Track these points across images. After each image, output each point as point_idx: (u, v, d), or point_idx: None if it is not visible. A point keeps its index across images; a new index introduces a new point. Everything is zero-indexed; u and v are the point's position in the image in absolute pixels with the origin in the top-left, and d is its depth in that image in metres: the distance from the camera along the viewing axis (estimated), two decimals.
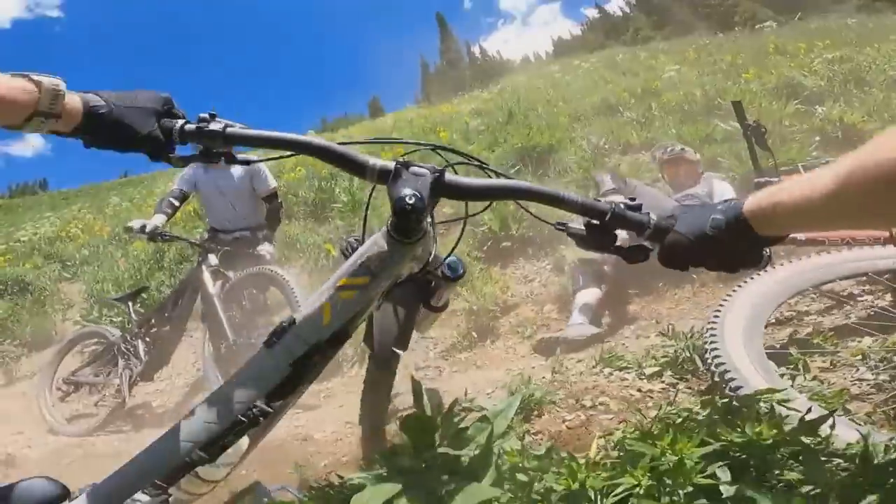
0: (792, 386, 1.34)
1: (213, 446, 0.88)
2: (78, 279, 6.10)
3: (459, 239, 1.10)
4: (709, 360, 1.38)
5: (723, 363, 1.32)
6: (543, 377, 1.85)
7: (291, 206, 5.84)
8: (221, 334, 2.74)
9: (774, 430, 0.74)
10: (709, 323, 1.50)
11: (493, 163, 4.95)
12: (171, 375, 3.60)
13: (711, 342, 1.41)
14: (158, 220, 3.07)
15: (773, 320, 1.91)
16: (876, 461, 0.71)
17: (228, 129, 0.88)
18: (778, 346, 1.66)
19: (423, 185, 0.86)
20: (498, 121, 7.32)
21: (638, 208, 0.82)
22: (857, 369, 1.45)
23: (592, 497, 0.73)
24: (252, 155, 2.11)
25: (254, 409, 0.87)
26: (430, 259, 1.01)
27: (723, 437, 0.75)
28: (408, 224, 0.87)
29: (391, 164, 0.89)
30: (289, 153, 0.93)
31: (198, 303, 3.02)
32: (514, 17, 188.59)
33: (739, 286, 1.62)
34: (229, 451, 0.92)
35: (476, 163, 1.02)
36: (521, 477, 0.82)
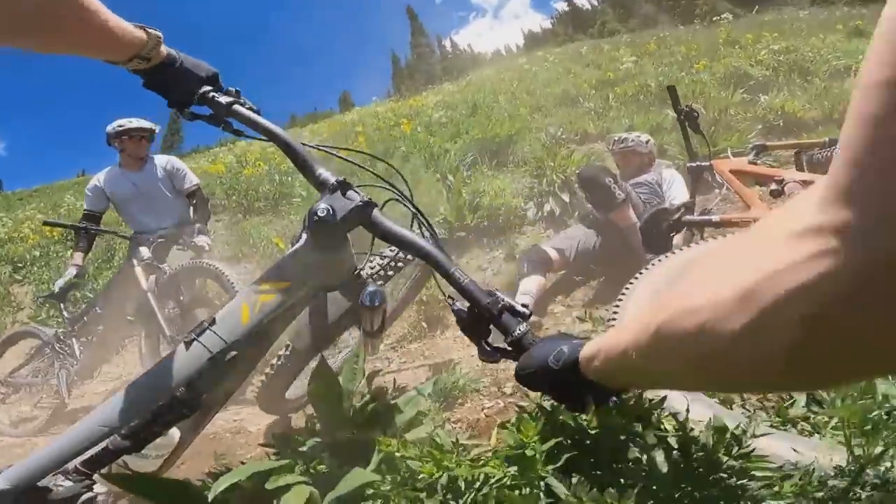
0: None
1: (136, 436, 0.89)
2: (28, 281, 5.91)
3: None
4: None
5: None
6: (477, 365, 1.88)
7: (252, 202, 5.78)
8: (158, 330, 2.67)
9: (622, 416, 0.70)
10: (618, 300, 1.56)
11: (454, 154, 5.00)
12: (120, 375, 3.52)
13: (613, 319, 1.47)
14: (69, 273, 3.06)
15: None
16: (698, 448, 0.66)
17: (234, 105, 1.04)
18: None
19: (343, 207, 0.93)
20: (462, 113, 7.36)
21: (518, 313, 0.80)
22: None
23: (463, 487, 0.72)
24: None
25: (177, 397, 0.89)
26: (355, 276, 1.06)
27: (567, 425, 0.73)
28: (317, 232, 0.93)
29: (332, 180, 0.96)
30: (269, 140, 1.04)
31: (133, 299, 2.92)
32: (486, 11, 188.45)
33: (652, 264, 1.67)
34: (158, 442, 0.94)
35: (412, 208, 1.10)
36: (399, 465, 0.83)
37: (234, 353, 0.92)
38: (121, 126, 3.06)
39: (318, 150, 1.15)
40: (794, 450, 0.76)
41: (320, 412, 1.04)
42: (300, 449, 0.96)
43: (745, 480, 0.61)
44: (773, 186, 2.21)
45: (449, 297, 0.91)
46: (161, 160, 3.25)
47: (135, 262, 2.86)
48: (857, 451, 0.66)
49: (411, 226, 1.29)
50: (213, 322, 0.95)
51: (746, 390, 0.56)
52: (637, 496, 0.58)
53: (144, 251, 2.88)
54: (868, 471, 0.63)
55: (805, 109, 4.14)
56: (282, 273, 0.97)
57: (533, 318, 2.42)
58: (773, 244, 0.33)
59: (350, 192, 0.95)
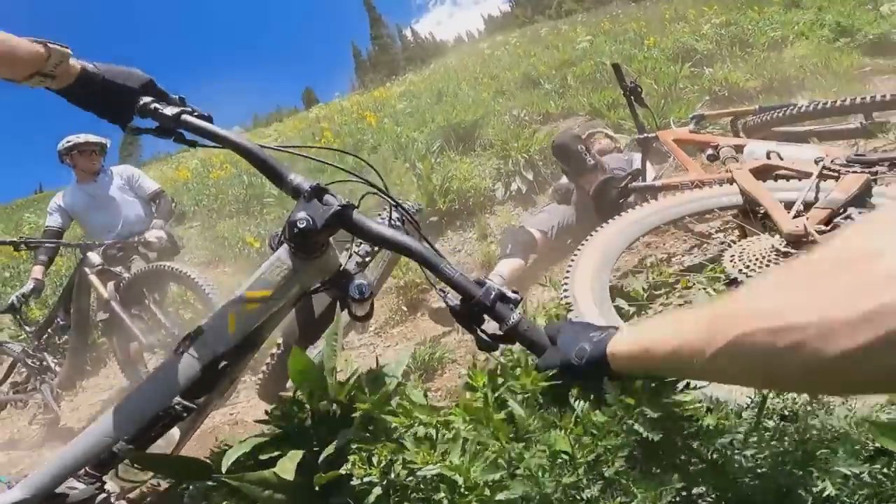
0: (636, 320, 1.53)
1: (140, 439, 0.95)
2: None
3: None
4: (562, 302, 1.53)
5: (569, 303, 1.48)
6: (454, 339, 2.06)
7: (222, 206, 5.83)
8: (130, 337, 2.65)
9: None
10: (567, 266, 1.68)
11: (421, 142, 5.14)
12: (111, 386, 3.58)
13: (565, 284, 1.58)
14: (27, 287, 3.05)
15: (649, 262, 2.16)
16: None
17: (183, 116, 0.97)
18: (644, 287, 1.81)
19: (323, 214, 0.90)
20: (427, 102, 7.48)
21: (509, 300, 0.83)
22: (699, 300, 1.61)
23: (435, 435, 0.80)
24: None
25: (175, 407, 0.93)
26: (339, 272, 1.03)
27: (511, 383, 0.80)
28: (301, 243, 0.93)
29: (307, 185, 0.93)
30: (226, 148, 0.99)
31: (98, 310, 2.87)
32: None
33: (596, 231, 1.82)
34: (160, 442, 1.00)
35: (391, 201, 1.08)
36: (379, 423, 0.92)
37: (224, 362, 0.95)
38: (69, 142, 3.10)
39: (284, 151, 1.12)
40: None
41: (304, 389, 1.05)
42: (293, 423, 1.05)
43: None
44: (710, 152, 2.44)
45: (440, 289, 0.90)
46: (118, 170, 3.31)
47: (87, 269, 2.82)
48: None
49: (389, 218, 1.30)
50: (200, 332, 0.96)
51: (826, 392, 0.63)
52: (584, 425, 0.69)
53: (94, 257, 2.85)
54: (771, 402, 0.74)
55: (746, 80, 4.41)
56: (265, 282, 0.97)
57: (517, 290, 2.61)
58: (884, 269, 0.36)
59: (327, 197, 0.92)
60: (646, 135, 2.72)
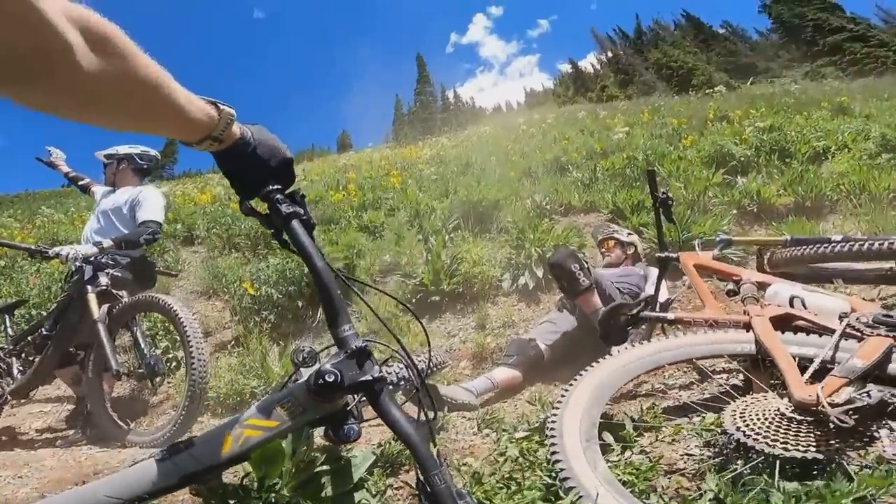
0: (620, 458, 1.44)
1: None
2: None
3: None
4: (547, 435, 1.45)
5: (554, 435, 1.39)
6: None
7: (233, 237, 5.95)
8: (105, 361, 2.62)
9: None
10: (561, 394, 1.57)
11: (439, 213, 5.09)
12: (59, 398, 3.47)
13: (554, 414, 1.48)
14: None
15: (645, 391, 2.05)
16: None
17: (293, 221, 0.95)
18: (635, 417, 1.74)
19: (353, 377, 0.90)
20: (453, 170, 7.53)
21: None
22: (688, 444, 1.51)
23: None
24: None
25: None
26: (340, 410, 1.01)
27: None
28: (321, 392, 0.91)
29: (354, 343, 0.92)
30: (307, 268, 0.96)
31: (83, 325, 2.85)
32: (493, 66, 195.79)
33: (597, 362, 1.71)
34: None
35: (418, 382, 1.06)
36: None
37: (207, 476, 0.94)
38: (103, 152, 3.35)
39: (349, 281, 1.11)
40: None
41: (257, 470, 1.03)
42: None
43: None
44: (731, 286, 2.26)
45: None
46: (136, 190, 3.23)
47: (89, 288, 2.79)
48: None
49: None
50: (190, 444, 0.95)
51: None
52: None
53: (103, 278, 2.83)
54: None
55: (778, 195, 4.25)
56: (275, 413, 0.96)
57: (474, 403, 2.39)
58: None
59: (367, 364, 0.92)
60: (667, 254, 2.56)
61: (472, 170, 7.36)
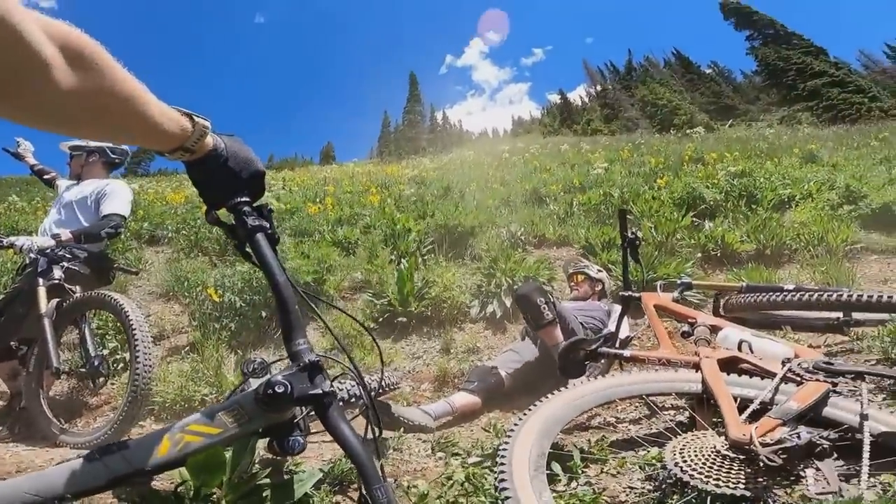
0: (566, 488, 1.50)
1: None
2: None
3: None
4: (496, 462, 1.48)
5: (503, 464, 1.43)
6: (388, 451, 1.89)
7: (200, 240, 5.87)
8: (47, 358, 2.55)
9: None
10: (514, 423, 1.60)
11: (414, 235, 5.12)
12: None
13: (505, 442, 1.51)
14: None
15: (596, 423, 2.10)
16: None
17: (257, 234, 0.96)
18: (584, 449, 1.78)
19: (303, 390, 0.89)
20: (433, 193, 7.60)
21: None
22: (632, 478, 1.56)
23: None
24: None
25: None
26: (290, 421, 1.01)
27: None
28: (269, 403, 0.91)
29: (307, 357, 0.92)
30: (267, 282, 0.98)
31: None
32: (484, 91, 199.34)
33: (552, 394, 1.75)
34: None
35: (368, 401, 1.07)
36: None
37: (138, 480, 0.91)
38: (67, 143, 3.30)
39: (328, 304, 1.11)
40: None
41: (195, 478, 1.00)
42: None
43: None
44: (685, 328, 2.35)
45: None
46: (103, 182, 3.19)
47: (41, 281, 2.72)
48: None
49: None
50: (125, 446, 0.91)
51: None
52: None
53: (56, 271, 2.77)
54: None
55: (741, 242, 4.38)
56: (219, 420, 0.94)
57: (431, 426, 2.41)
58: None
59: (318, 378, 0.92)
60: (630, 293, 2.64)
61: (451, 194, 7.44)
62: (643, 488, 1.51)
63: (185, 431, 0.93)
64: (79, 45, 0.62)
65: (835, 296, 2.41)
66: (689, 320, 2.39)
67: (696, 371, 1.86)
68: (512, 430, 1.59)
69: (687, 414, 1.94)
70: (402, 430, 2.25)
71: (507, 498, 1.30)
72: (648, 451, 1.67)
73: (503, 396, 2.79)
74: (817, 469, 1.34)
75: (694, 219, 5.10)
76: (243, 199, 0.97)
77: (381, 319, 3.78)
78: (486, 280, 3.94)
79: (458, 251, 4.86)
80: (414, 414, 2.41)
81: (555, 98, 67.48)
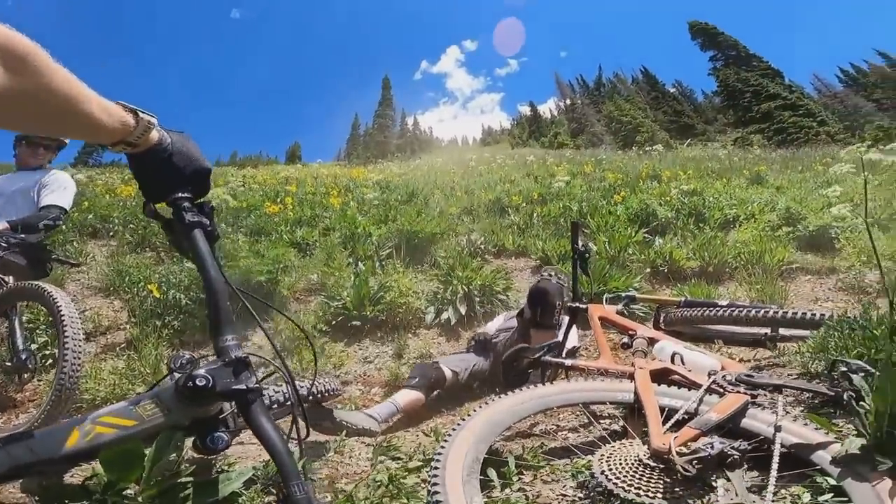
0: (500, 494, 1.53)
1: None
2: None
3: None
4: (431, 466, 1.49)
5: (437, 468, 1.44)
6: (328, 454, 1.89)
7: (149, 236, 5.74)
8: None
9: None
10: (452, 427, 1.62)
11: (374, 239, 5.12)
12: None
13: (441, 446, 1.52)
14: None
15: (538, 430, 2.14)
16: None
17: (195, 231, 0.97)
18: (519, 455, 1.81)
19: (226, 385, 0.90)
20: (397, 198, 7.61)
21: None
22: (565, 485, 1.61)
23: None
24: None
25: None
26: (214, 417, 0.99)
27: None
28: (191, 397, 0.90)
29: (234, 353, 0.93)
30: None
31: None
32: (457, 99, 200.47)
33: (491, 399, 1.77)
34: None
35: (294, 399, 1.09)
36: None
37: (43, 469, 0.88)
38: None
39: (265, 304, 1.14)
40: None
41: (109, 472, 0.96)
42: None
43: None
44: (625, 339, 2.45)
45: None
46: (44, 172, 3.16)
47: None
48: None
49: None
50: (30, 436, 0.88)
51: None
52: None
53: None
54: None
55: (687, 259, 4.59)
56: (133, 413, 0.92)
57: (375, 429, 2.42)
58: None
59: (244, 374, 0.91)
60: (577, 304, 2.73)
61: (415, 200, 7.48)
62: (575, 496, 1.55)
63: (96, 423, 0.91)
64: (19, 49, 0.66)
65: (762, 312, 2.55)
66: (630, 332, 2.48)
67: (631, 381, 1.91)
68: (450, 435, 1.60)
69: (621, 423, 2.01)
70: (344, 433, 2.26)
71: (437, 502, 1.32)
72: (581, 459, 1.71)
73: (447, 394, 2.80)
74: (727, 479, 1.40)
75: (646, 235, 5.30)
76: (184, 194, 0.98)
77: (334, 322, 3.76)
78: (443, 287, 3.98)
79: (417, 257, 4.90)
80: (357, 418, 2.42)
81: (525, 110, 68.70)
